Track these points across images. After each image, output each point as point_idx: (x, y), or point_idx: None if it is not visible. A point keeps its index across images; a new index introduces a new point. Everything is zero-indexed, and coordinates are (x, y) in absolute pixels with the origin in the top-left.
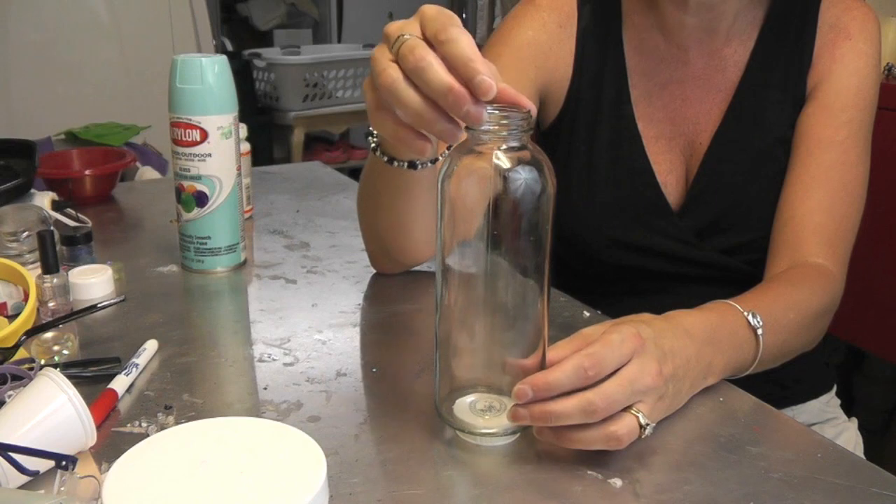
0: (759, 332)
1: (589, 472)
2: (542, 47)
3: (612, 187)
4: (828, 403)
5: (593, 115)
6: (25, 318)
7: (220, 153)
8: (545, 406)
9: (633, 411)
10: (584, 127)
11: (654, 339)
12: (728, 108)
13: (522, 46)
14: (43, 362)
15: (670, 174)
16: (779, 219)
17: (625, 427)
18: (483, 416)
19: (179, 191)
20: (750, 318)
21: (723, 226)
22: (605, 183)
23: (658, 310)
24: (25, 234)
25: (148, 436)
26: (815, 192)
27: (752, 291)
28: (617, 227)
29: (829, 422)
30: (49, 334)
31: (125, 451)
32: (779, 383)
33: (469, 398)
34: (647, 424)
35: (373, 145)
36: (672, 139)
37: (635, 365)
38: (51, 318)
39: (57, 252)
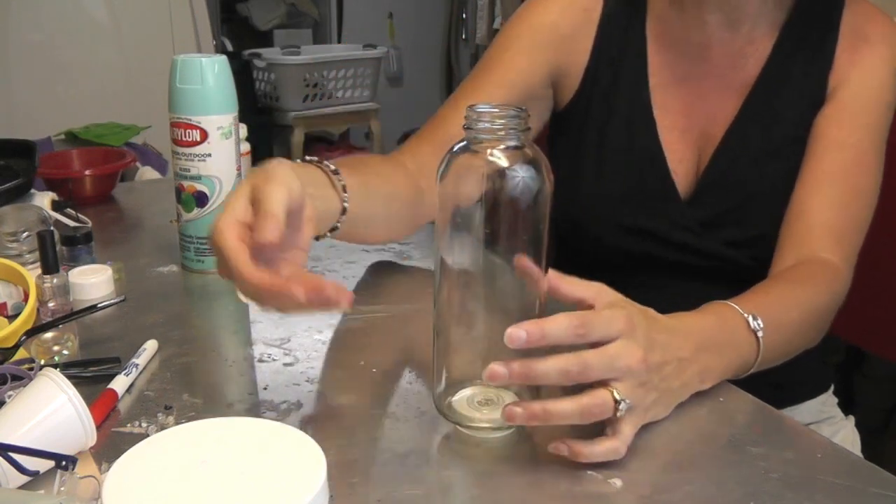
0: (760, 334)
1: (589, 472)
2: (561, 31)
3: (623, 171)
4: (825, 403)
5: (610, 99)
6: (25, 318)
7: (220, 153)
8: (527, 362)
9: (608, 387)
10: (599, 110)
11: (646, 329)
12: (743, 105)
13: (542, 30)
14: (43, 362)
15: (681, 163)
16: (789, 214)
17: (598, 398)
18: (481, 409)
19: (179, 191)
20: (750, 320)
21: (729, 219)
22: (616, 166)
23: (660, 303)
24: (25, 234)
25: (148, 436)
26: (827, 190)
27: (754, 290)
28: (625, 211)
29: (826, 421)
30: (49, 334)
31: (125, 451)
32: (777, 385)
33: (467, 392)
34: (622, 400)
35: None
36: (686, 130)
37: (619, 344)
38: (51, 318)
39: (57, 252)
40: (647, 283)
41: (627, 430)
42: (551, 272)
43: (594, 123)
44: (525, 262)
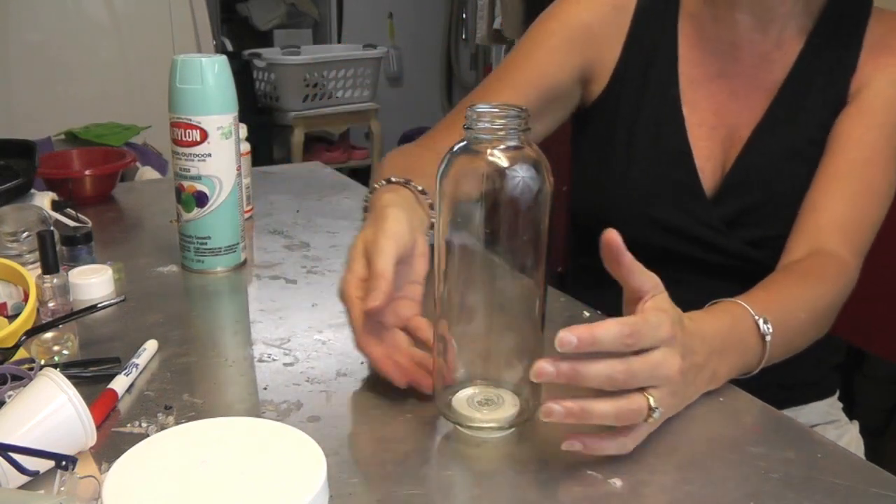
0: (768, 338)
1: (589, 472)
2: (593, 29)
3: (651, 166)
4: (831, 405)
5: (639, 95)
6: (25, 318)
7: (220, 153)
8: (575, 365)
9: (645, 394)
10: (629, 105)
11: (682, 336)
12: (770, 107)
13: (576, 28)
14: (43, 362)
15: (708, 161)
16: (802, 208)
17: (635, 404)
18: (481, 409)
19: (179, 191)
20: (761, 323)
21: (752, 218)
22: (644, 161)
23: (679, 299)
24: (25, 234)
25: (148, 436)
26: (840, 185)
27: (764, 287)
28: (651, 206)
29: (832, 423)
30: (49, 334)
31: (125, 451)
32: (785, 385)
33: (467, 392)
34: (656, 408)
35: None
36: (714, 128)
37: (661, 353)
38: (51, 318)
39: (57, 252)
40: (668, 279)
41: (644, 431)
42: (630, 255)
43: (623, 118)
44: (613, 235)
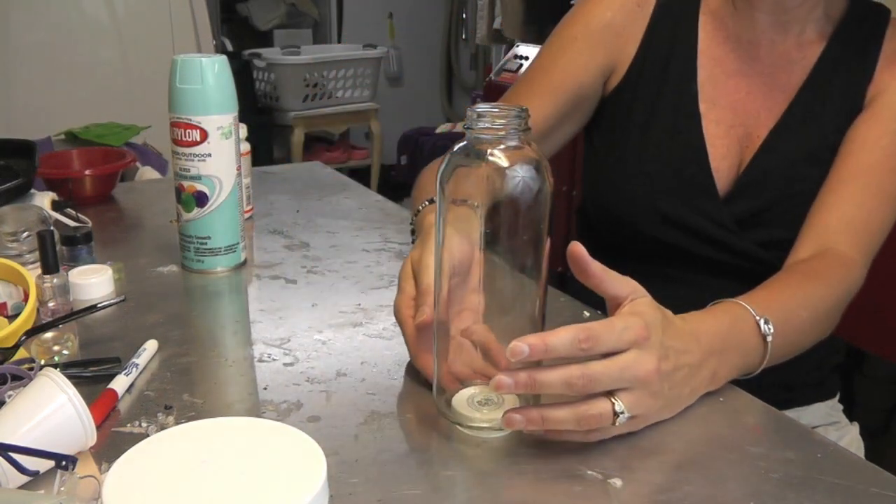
0: (769, 338)
1: (589, 472)
2: (616, 28)
3: (665, 160)
4: (833, 407)
5: (657, 89)
6: (25, 318)
7: (220, 153)
8: (531, 373)
9: (611, 398)
10: (646, 98)
11: (662, 337)
12: (787, 109)
13: (599, 29)
14: (43, 362)
15: (724, 160)
16: (812, 209)
17: (596, 409)
18: (481, 409)
19: (179, 191)
20: (762, 324)
21: (764, 219)
22: (658, 154)
23: (686, 298)
24: (25, 234)
25: (148, 436)
26: (850, 187)
27: (767, 287)
28: (661, 201)
29: (833, 425)
30: (49, 334)
31: (125, 451)
32: (787, 386)
33: (467, 392)
34: (622, 413)
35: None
36: (731, 127)
37: (632, 354)
38: (51, 318)
39: (57, 252)
40: (677, 277)
41: (614, 429)
42: (597, 263)
43: (639, 112)
44: (578, 248)
